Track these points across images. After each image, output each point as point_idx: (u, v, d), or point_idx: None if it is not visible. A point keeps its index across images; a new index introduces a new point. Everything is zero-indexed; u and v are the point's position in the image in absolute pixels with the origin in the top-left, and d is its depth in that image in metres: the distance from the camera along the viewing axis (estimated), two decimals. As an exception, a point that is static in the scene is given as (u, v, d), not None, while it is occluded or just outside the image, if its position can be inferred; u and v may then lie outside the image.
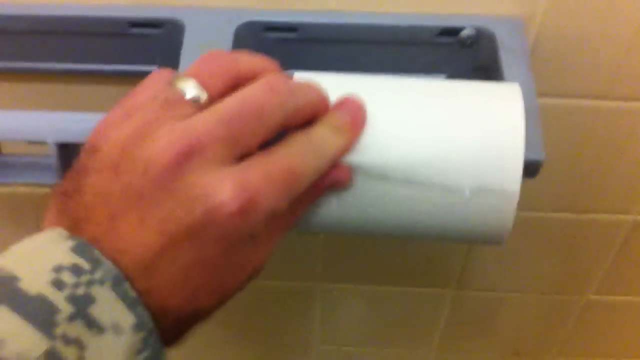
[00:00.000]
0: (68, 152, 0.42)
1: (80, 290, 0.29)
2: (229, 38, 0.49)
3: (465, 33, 0.49)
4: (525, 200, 0.40)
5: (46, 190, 0.39)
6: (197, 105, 0.34)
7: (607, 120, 0.57)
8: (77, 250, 0.30)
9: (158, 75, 0.36)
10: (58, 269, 0.29)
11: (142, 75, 0.54)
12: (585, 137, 0.59)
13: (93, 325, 0.28)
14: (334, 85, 0.39)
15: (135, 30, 0.52)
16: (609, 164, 0.61)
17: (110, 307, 0.29)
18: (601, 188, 0.63)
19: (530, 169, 0.41)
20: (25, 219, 0.67)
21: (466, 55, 0.50)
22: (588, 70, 0.53)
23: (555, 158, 0.60)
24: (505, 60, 0.47)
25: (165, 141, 0.31)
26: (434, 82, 0.41)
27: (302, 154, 0.35)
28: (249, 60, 0.37)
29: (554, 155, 0.59)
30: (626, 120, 0.57)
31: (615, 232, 0.68)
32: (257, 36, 0.51)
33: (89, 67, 0.55)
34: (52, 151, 0.42)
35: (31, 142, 0.43)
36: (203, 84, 0.34)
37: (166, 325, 0.32)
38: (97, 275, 0.29)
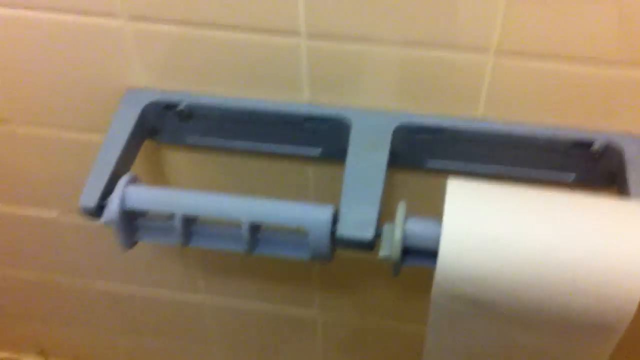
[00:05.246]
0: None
1: None
2: (388, 137, 0.59)
3: (595, 146, 0.56)
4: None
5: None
6: None
7: None
8: None
9: None
10: None
11: (309, 158, 0.64)
12: None
13: None
14: (484, 195, 0.48)
15: (308, 124, 0.62)
16: None
17: None
18: None
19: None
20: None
21: (594, 162, 0.57)
22: None
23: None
24: (631, 170, 0.53)
25: None
26: (561, 197, 0.49)
27: None
28: None
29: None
30: None
31: None
32: (410, 135, 0.60)
33: (270, 147, 0.65)
34: (245, 228, 0.53)
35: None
36: None
37: None
38: None
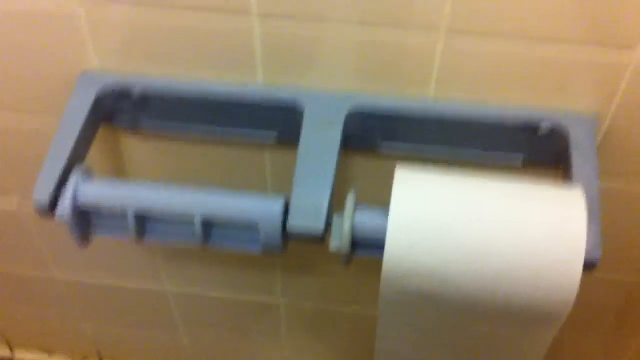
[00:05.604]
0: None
1: None
2: (341, 121, 0.58)
3: (543, 126, 0.56)
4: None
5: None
6: None
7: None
8: None
9: None
10: None
11: (266, 144, 0.64)
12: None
13: None
14: (430, 186, 0.49)
15: (261, 107, 0.61)
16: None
17: None
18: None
19: (588, 267, 0.48)
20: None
21: (541, 142, 0.58)
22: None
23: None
24: (575, 153, 0.54)
25: None
26: (505, 187, 0.50)
27: None
28: None
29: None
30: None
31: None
32: (362, 118, 0.60)
33: (225, 130, 0.64)
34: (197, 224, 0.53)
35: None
36: None
37: None
38: None
